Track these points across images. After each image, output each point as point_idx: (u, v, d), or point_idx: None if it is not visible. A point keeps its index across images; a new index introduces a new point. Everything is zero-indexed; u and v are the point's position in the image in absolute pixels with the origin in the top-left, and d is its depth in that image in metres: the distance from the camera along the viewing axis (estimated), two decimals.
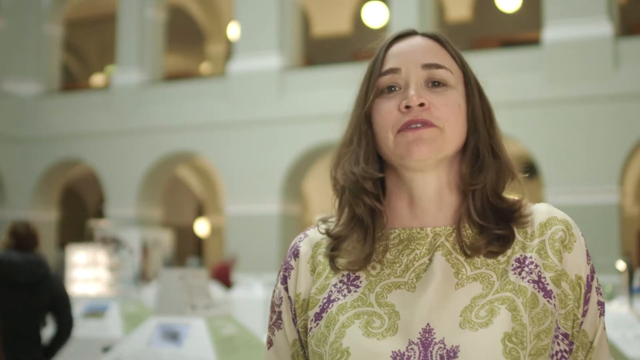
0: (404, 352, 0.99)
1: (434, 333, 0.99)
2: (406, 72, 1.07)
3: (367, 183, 1.08)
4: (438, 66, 1.07)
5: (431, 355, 0.98)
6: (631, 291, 6.68)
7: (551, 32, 13.37)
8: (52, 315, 4.21)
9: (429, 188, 1.08)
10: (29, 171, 17.99)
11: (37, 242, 4.18)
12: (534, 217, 1.08)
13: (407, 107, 1.05)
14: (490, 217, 1.07)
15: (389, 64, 1.09)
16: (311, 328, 1.08)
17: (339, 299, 1.07)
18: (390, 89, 1.08)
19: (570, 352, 1.06)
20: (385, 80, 1.08)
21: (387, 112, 1.06)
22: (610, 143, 12.74)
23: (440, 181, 1.09)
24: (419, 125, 1.04)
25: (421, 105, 1.05)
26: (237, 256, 14.71)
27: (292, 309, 1.12)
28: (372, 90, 1.09)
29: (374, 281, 1.07)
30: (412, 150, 1.04)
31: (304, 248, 1.14)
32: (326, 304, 1.07)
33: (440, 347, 0.98)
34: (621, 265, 7.69)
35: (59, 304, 4.18)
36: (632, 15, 16.57)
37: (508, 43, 16.22)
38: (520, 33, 17.71)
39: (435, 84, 1.07)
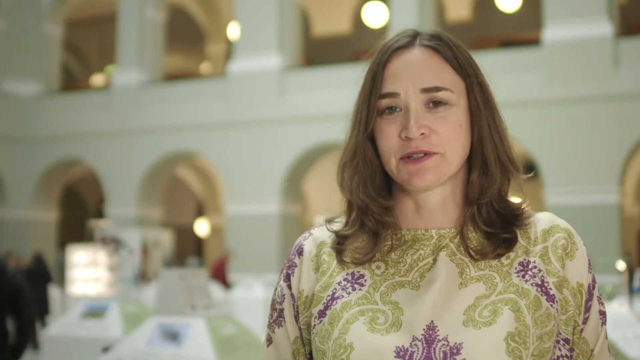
0: (407, 348, 1.00)
1: (438, 330, 1.00)
2: (405, 96, 1.07)
3: (377, 205, 1.10)
4: (438, 89, 1.06)
5: (434, 352, 0.99)
6: (631, 291, 6.69)
7: (551, 32, 13.37)
8: (11, 313, 4.17)
9: (434, 200, 1.10)
10: (29, 171, 17.99)
11: None
12: (538, 224, 1.10)
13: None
14: (496, 223, 1.09)
15: (387, 87, 1.08)
16: (315, 325, 1.09)
17: (343, 296, 1.08)
18: (391, 108, 1.08)
19: (571, 358, 1.07)
20: (384, 102, 1.08)
21: (389, 137, 1.07)
22: (610, 143, 12.75)
23: (444, 193, 1.10)
24: (420, 155, 1.05)
25: (421, 134, 1.05)
26: (232, 250, 14.72)
27: (295, 306, 1.13)
28: (373, 115, 1.09)
29: (378, 280, 1.08)
30: (414, 180, 1.05)
31: (309, 246, 1.15)
32: (330, 301, 1.08)
33: (444, 344, 0.99)
34: (621, 265, 7.70)
35: (17, 300, 4.14)
36: (632, 15, 16.57)
37: (508, 43, 16.23)
38: (520, 33, 17.72)
39: (436, 103, 1.07)
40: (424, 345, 1.00)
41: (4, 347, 4.06)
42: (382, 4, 18.70)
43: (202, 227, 22.40)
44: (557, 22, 13.34)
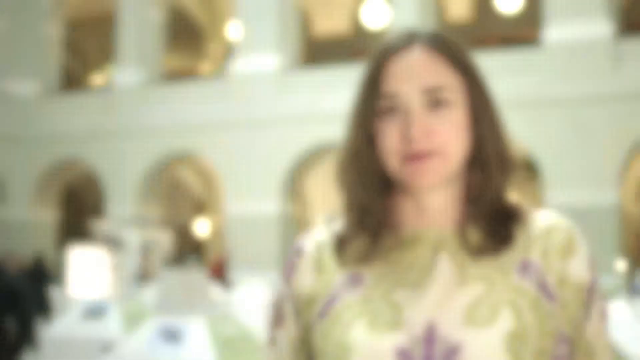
0: (407, 348, 1.00)
1: (437, 330, 1.00)
2: (406, 97, 1.06)
3: (378, 206, 1.10)
4: (438, 89, 1.07)
5: (434, 351, 0.99)
6: (631, 291, 6.70)
7: (551, 32, 13.37)
8: (10, 313, 4.18)
9: (434, 200, 1.10)
10: (29, 171, 17.99)
11: None
12: (539, 222, 1.10)
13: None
14: (495, 221, 1.09)
15: (387, 88, 1.08)
16: (315, 325, 1.09)
17: (343, 296, 1.08)
18: (391, 109, 1.08)
19: (571, 356, 1.07)
20: (384, 103, 1.08)
21: (389, 138, 1.07)
22: (610, 143, 12.74)
23: (445, 193, 1.10)
24: (422, 155, 1.05)
25: (423, 135, 1.05)
26: (230, 251, 14.72)
27: (295, 307, 1.13)
28: (373, 116, 1.09)
29: (378, 280, 1.08)
30: (417, 180, 1.06)
31: (308, 247, 1.15)
32: (330, 302, 1.08)
33: (443, 344, 0.99)
34: (621, 265, 7.70)
35: (15, 301, 4.15)
36: (632, 15, 16.57)
37: (508, 43, 16.22)
38: (520, 33, 17.71)
39: (437, 103, 1.07)
40: (424, 344, 1.00)
41: (3, 346, 4.07)
42: (382, 4, 18.70)
43: (201, 227, 22.39)
44: (557, 22, 13.34)
